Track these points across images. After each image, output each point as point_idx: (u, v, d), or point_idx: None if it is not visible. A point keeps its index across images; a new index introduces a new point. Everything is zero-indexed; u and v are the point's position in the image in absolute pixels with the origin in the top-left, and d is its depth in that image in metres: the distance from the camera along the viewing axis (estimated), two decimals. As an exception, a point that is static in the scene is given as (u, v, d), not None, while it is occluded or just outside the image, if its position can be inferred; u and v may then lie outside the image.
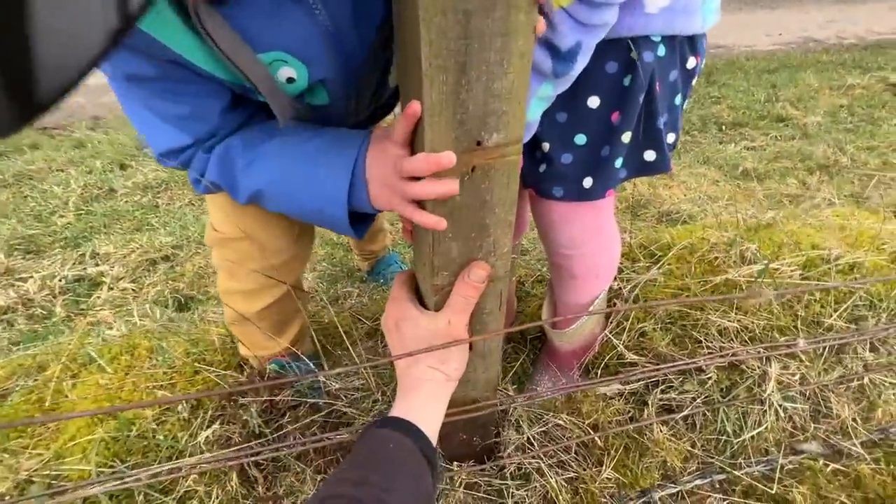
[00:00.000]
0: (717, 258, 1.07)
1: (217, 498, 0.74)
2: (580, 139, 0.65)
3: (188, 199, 2.09)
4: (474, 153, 0.44)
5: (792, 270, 0.94)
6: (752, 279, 0.94)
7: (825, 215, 1.28)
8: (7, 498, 0.73)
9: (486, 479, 0.86)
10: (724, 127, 2.70)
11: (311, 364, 0.87)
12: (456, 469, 0.84)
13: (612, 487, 0.84)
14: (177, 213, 1.96)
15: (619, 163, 0.67)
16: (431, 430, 0.53)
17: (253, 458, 0.68)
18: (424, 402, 0.55)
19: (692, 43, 0.65)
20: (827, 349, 0.91)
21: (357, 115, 0.67)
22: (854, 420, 0.90)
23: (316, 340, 0.89)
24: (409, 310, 0.56)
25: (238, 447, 0.72)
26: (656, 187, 2.00)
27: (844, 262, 1.00)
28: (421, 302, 0.59)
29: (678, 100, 0.68)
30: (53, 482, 0.73)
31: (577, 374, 0.97)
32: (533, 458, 0.85)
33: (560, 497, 0.83)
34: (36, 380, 0.96)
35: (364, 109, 0.67)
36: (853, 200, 1.73)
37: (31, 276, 1.54)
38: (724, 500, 0.82)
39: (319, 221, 0.58)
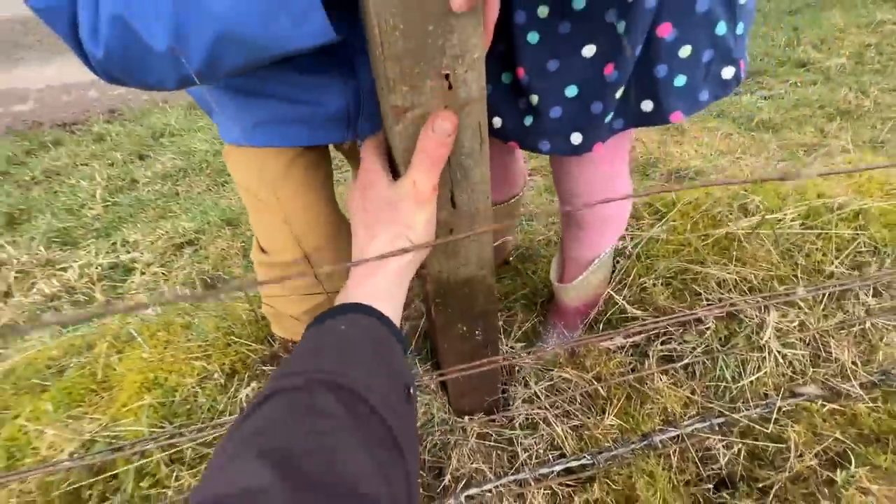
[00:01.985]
0: (719, 212, 1.08)
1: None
2: (571, 91, 0.61)
3: (205, 185, 2.16)
4: None
5: (792, 220, 0.95)
6: (752, 230, 0.95)
7: (837, 163, 1.26)
8: (75, 456, 0.83)
9: (497, 429, 0.93)
10: (740, 76, 2.60)
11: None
12: (468, 421, 0.91)
13: (614, 433, 0.90)
14: (196, 199, 2.05)
15: (609, 117, 0.63)
16: (398, 316, 0.45)
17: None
18: (392, 283, 0.46)
19: None
20: (827, 296, 0.93)
21: None
22: (854, 363, 0.92)
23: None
24: (376, 178, 0.48)
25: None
26: (666, 144, 1.97)
27: (850, 209, 1.00)
28: (393, 168, 0.51)
29: (721, 28, 0.57)
30: (112, 441, 0.84)
31: (581, 331, 1.01)
32: (539, 409, 0.92)
33: (566, 443, 0.89)
34: (87, 357, 1.07)
35: None
36: (870, 146, 1.68)
37: (71, 266, 1.66)
38: (723, 441, 0.87)
39: (275, 31, 0.40)
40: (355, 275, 0.46)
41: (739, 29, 0.59)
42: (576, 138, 0.64)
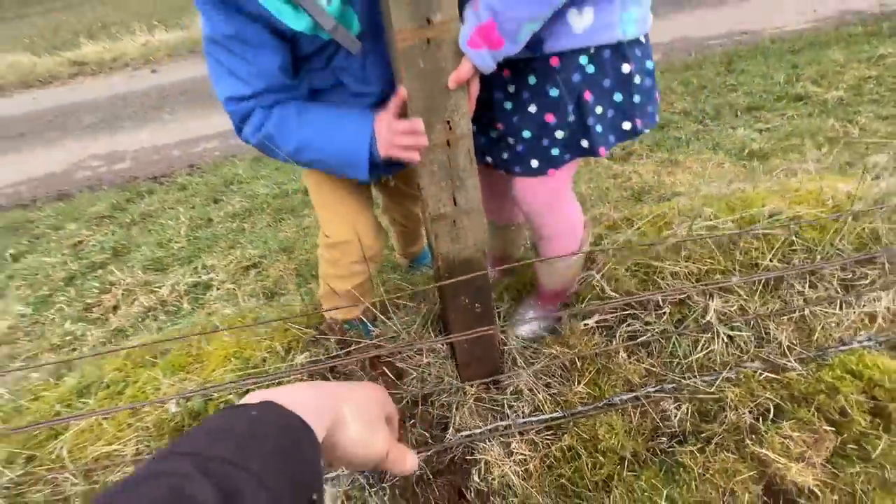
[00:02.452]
0: (677, 222, 1.31)
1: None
2: (526, 134, 0.91)
3: (266, 221, 2.60)
4: (427, 29, 0.67)
5: (722, 224, 1.17)
6: (693, 232, 1.18)
7: (794, 180, 1.46)
8: (179, 402, 1.15)
9: (490, 395, 1.16)
10: (738, 112, 2.81)
11: (370, 325, 1.23)
12: (468, 387, 1.16)
13: (585, 398, 1.11)
14: (259, 233, 2.47)
15: (556, 151, 0.91)
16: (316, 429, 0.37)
17: (329, 367, 1.05)
18: (317, 407, 0.39)
19: (620, 53, 0.84)
20: (762, 284, 1.12)
21: (380, 75, 0.88)
22: (792, 343, 1.10)
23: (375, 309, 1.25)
24: (379, 395, 0.48)
25: (317, 360, 1.09)
26: (660, 175, 2.20)
27: (784, 216, 1.21)
28: None
29: (619, 97, 0.87)
30: (206, 393, 1.15)
31: (556, 310, 1.25)
32: (525, 380, 1.15)
33: (545, 406, 1.11)
34: (184, 342, 1.41)
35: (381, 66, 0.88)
36: (837, 167, 1.83)
37: (163, 285, 2.08)
38: (675, 402, 1.06)
39: (342, 165, 0.85)
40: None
41: (636, 99, 0.89)
42: (534, 164, 0.95)
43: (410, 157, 0.78)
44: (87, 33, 8.02)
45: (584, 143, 0.90)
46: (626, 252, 1.29)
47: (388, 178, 1.28)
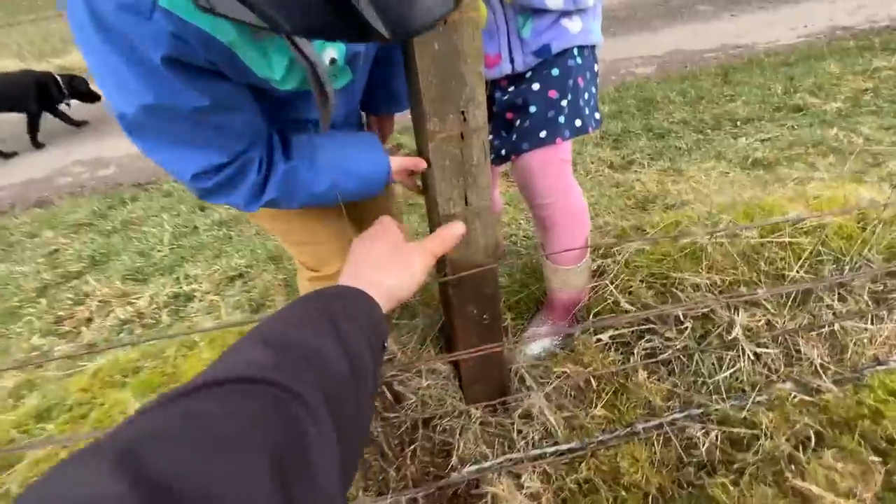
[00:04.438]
0: (694, 230, 1.23)
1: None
2: (533, 108, 0.99)
3: (254, 230, 2.48)
4: None
5: (742, 231, 1.09)
6: (714, 240, 1.10)
7: (811, 188, 1.40)
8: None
9: (497, 419, 1.05)
10: (738, 123, 2.78)
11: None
12: (473, 409, 1.05)
13: (602, 423, 1.01)
14: (247, 241, 2.35)
15: (562, 119, 0.98)
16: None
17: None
18: (374, 290, 0.52)
19: (594, 54, 1.02)
20: (791, 298, 1.04)
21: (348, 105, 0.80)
22: (824, 361, 1.01)
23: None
24: (391, 231, 0.60)
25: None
26: (664, 183, 2.14)
27: (809, 223, 1.13)
28: None
29: (593, 90, 1.03)
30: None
31: (569, 323, 1.16)
32: (535, 401, 1.04)
33: (558, 431, 1.01)
34: (159, 360, 1.29)
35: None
36: (852, 175, 1.78)
37: (142, 297, 1.95)
38: (702, 428, 0.96)
39: (365, 189, 0.76)
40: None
41: (581, 103, 1.01)
42: (543, 133, 0.99)
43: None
44: (76, 40, 7.89)
45: (578, 123, 1.00)
46: (641, 261, 1.20)
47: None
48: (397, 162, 0.77)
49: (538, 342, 1.12)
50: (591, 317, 1.18)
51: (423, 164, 0.75)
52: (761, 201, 1.28)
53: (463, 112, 0.69)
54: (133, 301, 1.94)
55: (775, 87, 3.08)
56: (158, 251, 2.36)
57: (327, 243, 0.96)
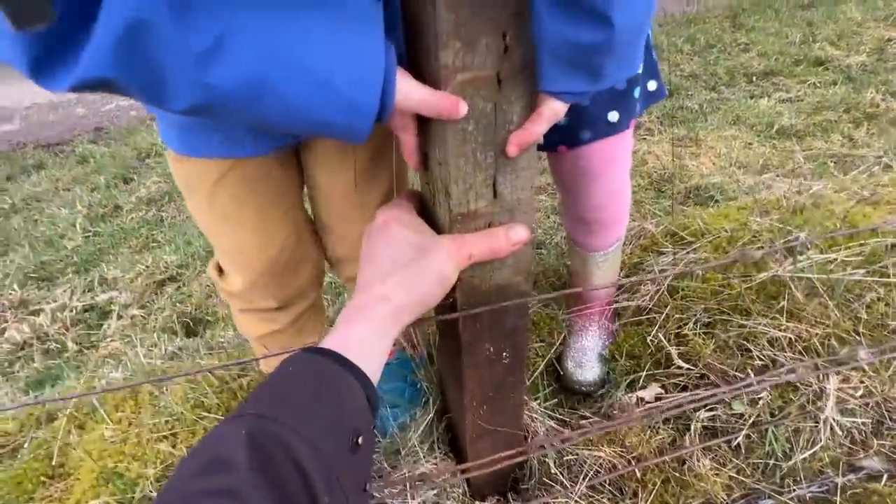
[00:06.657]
0: (762, 247, 0.94)
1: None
2: None
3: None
4: None
5: (846, 261, 0.82)
6: (801, 275, 0.82)
7: (883, 183, 1.12)
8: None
9: (511, 516, 0.80)
10: (754, 78, 2.45)
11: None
12: (477, 509, 0.79)
13: (648, 523, 0.77)
14: (181, 227, 1.93)
15: (637, 93, 0.73)
16: (373, 371, 0.41)
17: None
18: (372, 334, 0.41)
19: None
20: (893, 357, 0.79)
21: None
22: (927, 432, 0.79)
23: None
24: (406, 214, 0.47)
25: None
26: (681, 157, 1.83)
27: (912, 248, 0.86)
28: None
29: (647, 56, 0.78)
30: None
31: (611, 324, 0.96)
32: (559, 493, 0.79)
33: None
34: (45, 431, 0.95)
35: None
36: None
37: (44, 309, 1.54)
38: (777, 531, 0.74)
39: (330, 120, 0.38)
40: (350, 311, 0.43)
41: (655, 57, 0.77)
42: (613, 116, 0.71)
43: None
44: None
45: (652, 85, 0.77)
46: (689, 289, 0.92)
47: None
48: (418, 92, 0.39)
49: (592, 367, 0.89)
50: (622, 358, 0.91)
51: (460, 108, 0.39)
52: (831, 205, 1.00)
53: (504, 35, 0.37)
54: (32, 315, 1.54)
55: (793, 35, 2.73)
56: (70, 240, 1.91)
57: (283, 227, 0.69)
